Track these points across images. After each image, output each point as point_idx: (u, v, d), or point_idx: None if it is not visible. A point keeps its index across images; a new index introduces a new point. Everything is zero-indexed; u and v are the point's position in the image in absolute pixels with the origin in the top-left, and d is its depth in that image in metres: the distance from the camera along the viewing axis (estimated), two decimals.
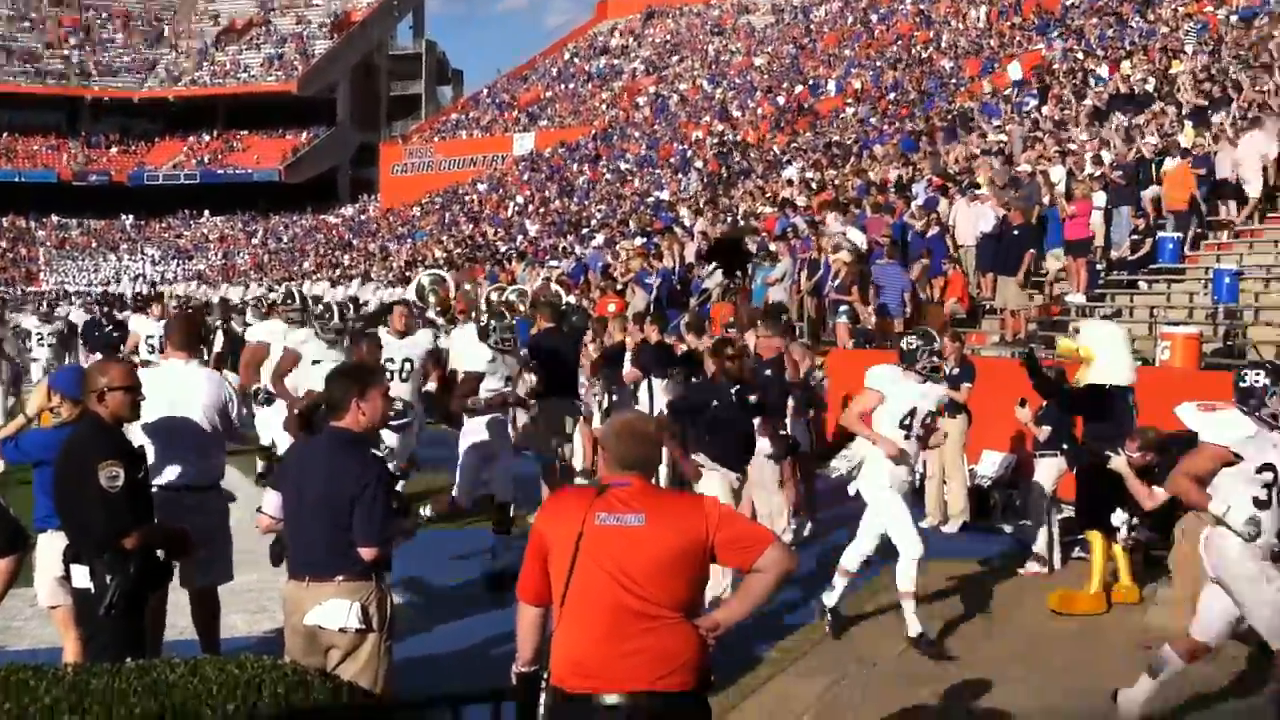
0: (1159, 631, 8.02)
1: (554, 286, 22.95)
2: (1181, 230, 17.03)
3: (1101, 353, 9.22)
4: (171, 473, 6.64)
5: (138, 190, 72.78)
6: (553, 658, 4.13)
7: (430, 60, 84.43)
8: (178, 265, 61.29)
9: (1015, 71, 31.16)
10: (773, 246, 19.73)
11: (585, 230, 33.35)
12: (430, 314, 17.60)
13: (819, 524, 11.59)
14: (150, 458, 6.49)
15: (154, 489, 6.47)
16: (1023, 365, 9.73)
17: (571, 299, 20.07)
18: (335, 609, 5.09)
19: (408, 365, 10.60)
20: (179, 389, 6.77)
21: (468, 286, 23.67)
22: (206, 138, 75.83)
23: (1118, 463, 8.21)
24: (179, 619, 6.87)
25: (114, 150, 75.73)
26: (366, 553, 5.14)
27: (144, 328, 15.33)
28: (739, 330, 12.91)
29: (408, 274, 32.23)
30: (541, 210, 40.70)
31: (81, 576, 5.52)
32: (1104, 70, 26.53)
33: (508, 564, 9.07)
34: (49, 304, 30.36)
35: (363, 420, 5.33)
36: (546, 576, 4.18)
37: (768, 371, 10.78)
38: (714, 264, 19.15)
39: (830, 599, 8.20)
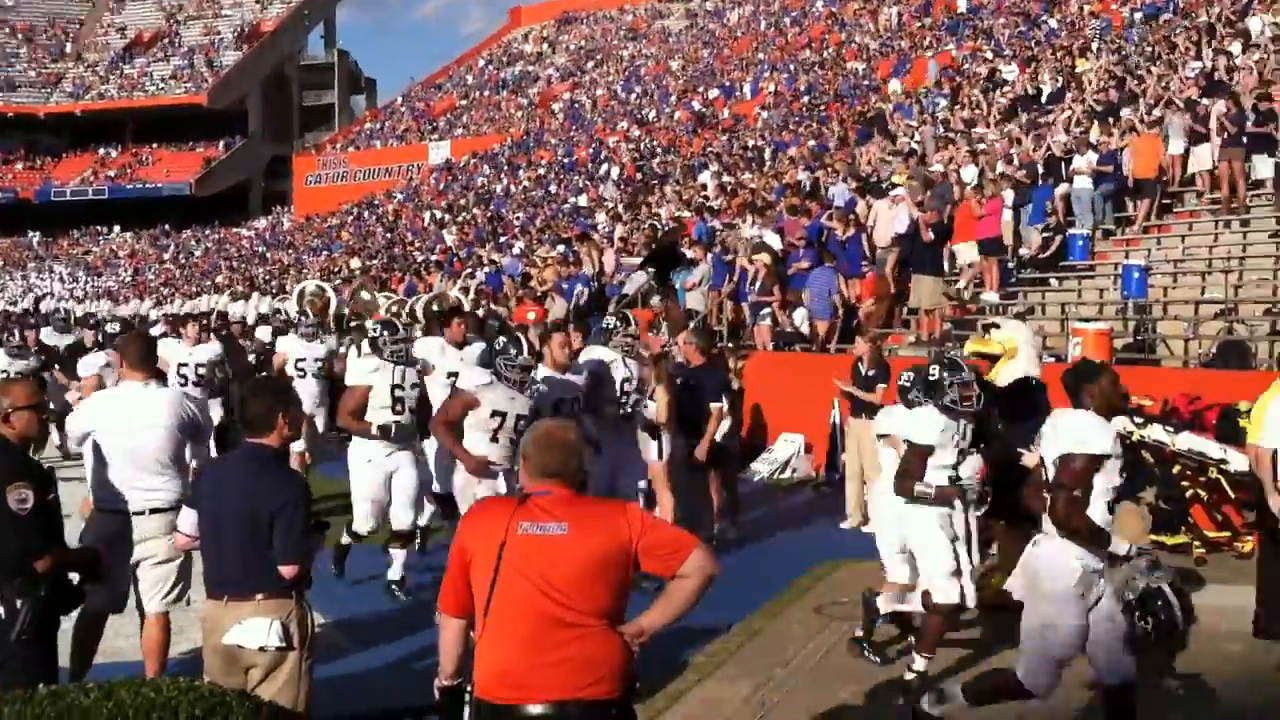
0: None
1: (453, 294, 22.89)
2: (1149, 197, 17.44)
3: (1021, 347, 9.35)
4: (137, 498, 6.60)
5: (44, 207, 71.43)
6: (476, 669, 4.11)
7: (342, 70, 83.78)
8: (88, 282, 60.17)
9: (933, 71, 31.61)
10: (690, 251, 19.81)
11: (503, 238, 33.25)
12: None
13: (741, 527, 11.65)
14: (114, 484, 6.45)
15: (118, 513, 6.45)
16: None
17: (496, 307, 20.05)
18: (255, 628, 5.03)
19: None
20: (139, 411, 6.68)
21: (365, 296, 23.61)
22: (115, 152, 74.61)
23: (1030, 459, 8.31)
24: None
25: (19, 166, 74.29)
26: (287, 570, 5.09)
27: (176, 353, 12.80)
28: (671, 332, 12.95)
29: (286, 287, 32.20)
30: (458, 219, 40.50)
31: None
32: (1012, 70, 26.93)
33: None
34: None
35: (284, 436, 5.29)
36: (469, 588, 4.15)
37: (691, 380, 10.91)
38: (647, 267, 19.17)
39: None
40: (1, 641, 5.39)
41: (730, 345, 16.48)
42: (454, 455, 8.41)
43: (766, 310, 17.58)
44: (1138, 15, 27.56)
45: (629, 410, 9.56)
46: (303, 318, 14.18)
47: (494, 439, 8.32)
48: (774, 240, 18.94)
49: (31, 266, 66.60)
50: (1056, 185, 18.35)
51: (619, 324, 9.73)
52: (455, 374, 9.53)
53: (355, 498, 9.31)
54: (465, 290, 24.05)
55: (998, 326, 9.30)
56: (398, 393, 9.05)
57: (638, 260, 20.78)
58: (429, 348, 10.22)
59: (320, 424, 13.34)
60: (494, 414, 8.27)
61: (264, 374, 13.86)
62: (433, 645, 4.39)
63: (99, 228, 71.60)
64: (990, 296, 16.81)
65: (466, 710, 4.16)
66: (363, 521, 9.26)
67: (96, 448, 6.68)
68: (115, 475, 6.59)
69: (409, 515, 9.26)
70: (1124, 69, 22.73)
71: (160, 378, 7.17)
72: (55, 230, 71.72)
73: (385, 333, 9.23)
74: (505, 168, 46.66)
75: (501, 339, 8.95)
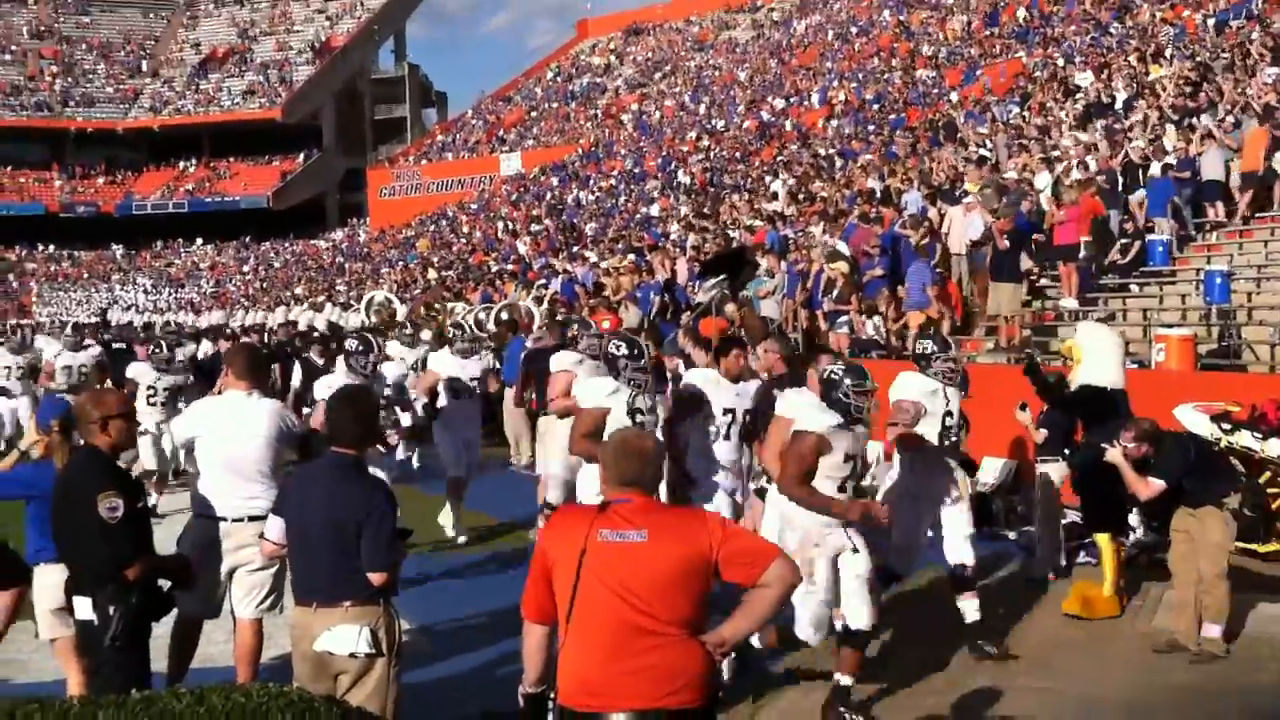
0: (1167, 635, 8.02)
1: (523, 304, 23.09)
2: (1250, 188, 17.13)
3: (1089, 354, 9.27)
4: (236, 505, 6.71)
5: (126, 220, 72.67)
6: (559, 677, 4.13)
7: (413, 83, 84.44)
8: (170, 294, 61.14)
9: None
10: (763, 260, 19.78)
11: (575, 248, 33.35)
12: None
13: None
14: (212, 491, 6.56)
15: (214, 519, 6.60)
16: (1025, 372, 9.74)
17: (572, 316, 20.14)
18: (345, 634, 5.07)
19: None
20: (241, 420, 6.83)
21: (436, 306, 23.91)
22: (192, 166, 75.74)
23: (1113, 454, 8.21)
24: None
25: (100, 181, 75.61)
26: (376, 578, 5.13)
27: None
28: (751, 342, 12.90)
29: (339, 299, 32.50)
30: (531, 230, 40.70)
31: (84, 608, 5.50)
32: (1087, 76, 26.61)
33: None
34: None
35: (363, 446, 5.35)
36: (551, 595, 4.17)
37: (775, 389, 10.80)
38: (716, 276, 19.14)
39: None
40: (95, 647, 5.49)
41: (804, 355, 16.41)
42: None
43: (844, 318, 17.50)
44: (1210, 21, 27.15)
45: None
46: (458, 333, 13.34)
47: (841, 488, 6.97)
48: (841, 248, 18.87)
49: (115, 279, 67.75)
50: (1133, 191, 18.12)
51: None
52: (731, 410, 8.44)
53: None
54: (539, 300, 24.19)
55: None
56: (637, 418, 7.94)
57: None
58: (704, 379, 8.74)
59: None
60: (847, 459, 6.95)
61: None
62: (518, 652, 4.41)
63: (179, 240, 72.68)
64: (1069, 303, 16.62)
65: (550, 717, 4.18)
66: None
67: (195, 455, 6.83)
68: (214, 483, 6.72)
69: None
70: (1199, 75, 22.38)
71: (263, 388, 7.29)
72: (137, 243, 72.92)
73: (626, 353, 8.08)
74: (575, 178, 46.81)
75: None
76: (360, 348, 9.80)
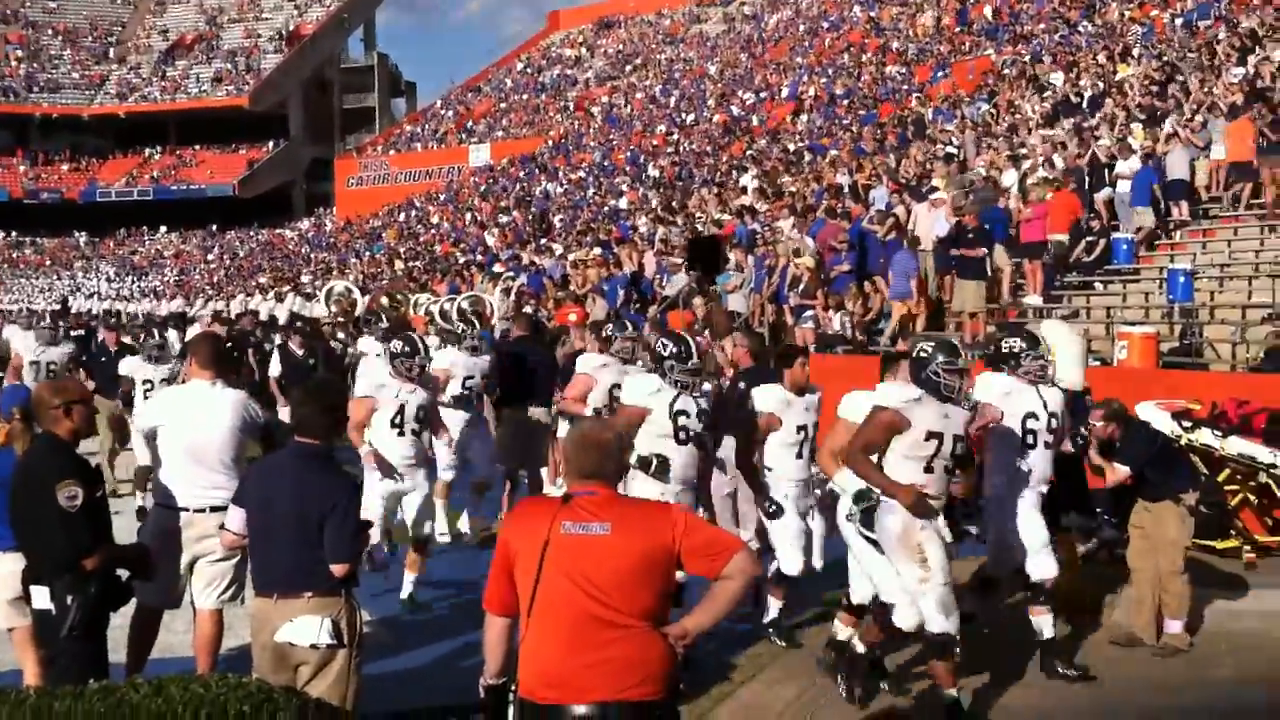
0: (1126, 629, 8.08)
1: (494, 296, 23.08)
2: (1244, 180, 17.18)
3: (1058, 351, 9.29)
4: (198, 495, 6.67)
5: (90, 207, 72.12)
6: (520, 669, 4.12)
7: (383, 73, 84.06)
8: (133, 282, 60.70)
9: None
10: (731, 254, 19.82)
11: (543, 240, 33.31)
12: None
13: None
14: (174, 481, 6.52)
15: (175, 509, 6.49)
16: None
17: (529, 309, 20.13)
18: (306, 625, 5.06)
19: None
20: (204, 410, 6.79)
21: (399, 297, 23.83)
22: (158, 154, 75.21)
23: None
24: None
25: (65, 167, 75.01)
26: (338, 569, 5.11)
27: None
28: (714, 336, 12.89)
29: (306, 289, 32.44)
30: (499, 221, 40.62)
31: (42, 598, 5.46)
32: (1058, 75, 26.74)
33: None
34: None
35: (330, 437, 5.34)
36: (513, 587, 4.17)
37: (741, 383, 10.79)
38: (688, 266, 19.14)
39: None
40: (52, 638, 5.45)
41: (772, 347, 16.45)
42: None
43: (810, 313, 17.54)
44: (1179, 21, 27.33)
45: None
46: (467, 329, 11.85)
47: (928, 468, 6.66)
48: (809, 243, 18.93)
49: (79, 266, 67.25)
50: (1099, 189, 18.23)
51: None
52: (804, 426, 8.13)
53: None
54: (506, 291, 24.16)
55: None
56: (682, 420, 7.53)
57: (678, 261, 20.76)
58: (775, 399, 8.19)
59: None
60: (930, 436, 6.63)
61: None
62: (479, 644, 4.41)
63: (144, 228, 72.18)
64: (1033, 300, 16.72)
65: (511, 710, 4.17)
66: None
67: (158, 445, 6.78)
68: (176, 472, 6.68)
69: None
70: (1166, 74, 22.53)
71: (227, 378, 7.23)
72: (101, 231, 72.38)
73: (674, 352, 7.61)
74: (544, 170, 46.74)
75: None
76: (406, 349, 9.20)
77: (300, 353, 14.63)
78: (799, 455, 8.08)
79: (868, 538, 6.91)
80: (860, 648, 7.16)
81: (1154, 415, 9.65)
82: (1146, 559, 7.96)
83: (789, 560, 7.97)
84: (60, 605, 5.40)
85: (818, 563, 8.20)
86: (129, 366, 12.95)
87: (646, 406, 7.49)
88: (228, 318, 26.10)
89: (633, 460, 6.98)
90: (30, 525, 5.58)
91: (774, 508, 7.96)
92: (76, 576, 5.42)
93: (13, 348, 16.50)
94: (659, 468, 7.32)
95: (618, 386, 9.06)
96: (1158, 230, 17.56)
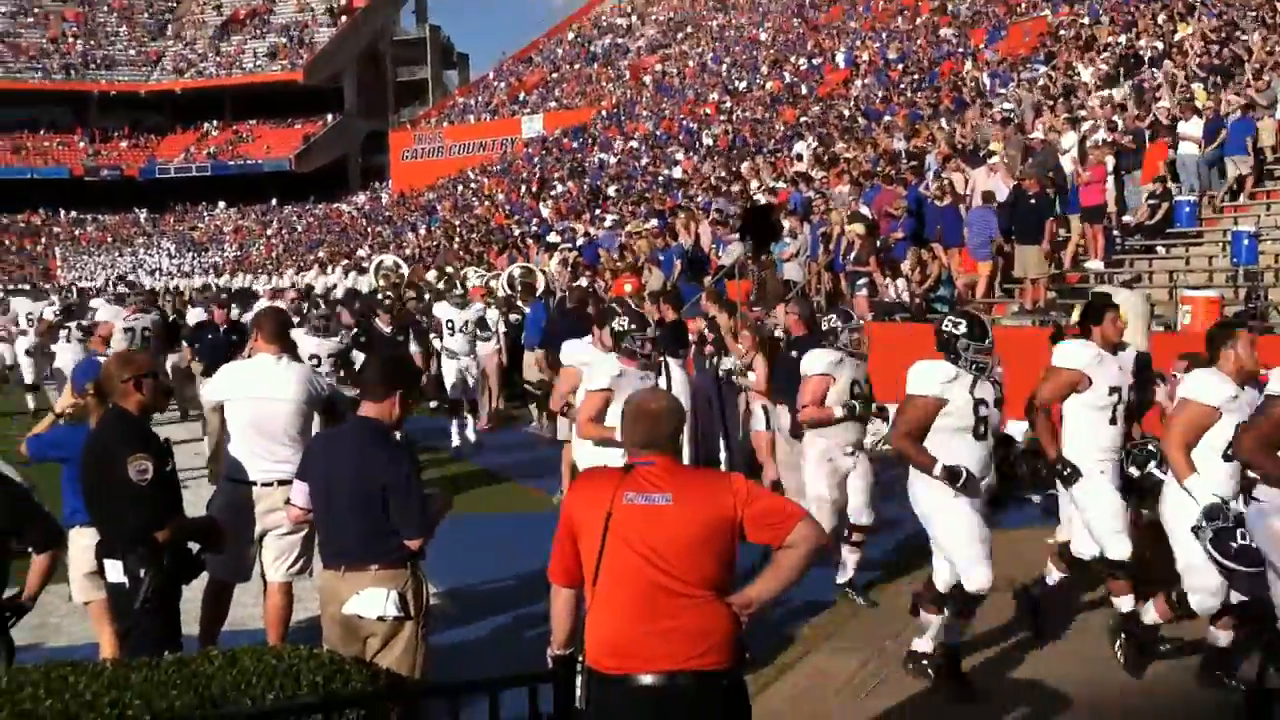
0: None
1: (552, 266, 23.23)
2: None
3: (1130, 319, 9.15)
4: (265, 469, 6.75)
5: (149, 183, 72.87)
6: (587, 639, 4.15)
7: (435, 45, 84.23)
8: (193, 258, 61.35)
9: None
10: (786, 222, 19.72)
11: (597, 211, 33.28)
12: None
13: None
14: (242, 455, 6.60)
15: (244, 483, 6.64)
16: (1052, 340, 9.64)
17: (584, 280, 20.16)
18: (373, 597, 5.11)
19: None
20: (270, 384, 6.87)
21: (449, 270, 24.03)
22: (215, 129, 75.81)
23: (1161, 394, 8.15)
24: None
25: (124, 144, 75.78)
26: (413, 543, 5.16)
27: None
28: (767, 306, 12.86)
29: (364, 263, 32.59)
30: (554, 193, 40.63)
31: (115, 571, 5.53)
32: (1112, 35, 26.33)
33: None
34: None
35: (396, 414, 5.36)
36: (578, 558, 4.20)
37: (793, 352, 10.76)
38: (742, 235, 19.09)
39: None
40: (126, 611, 5.53)
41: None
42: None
43: (863, 280, 17.45)
44: None
45: None
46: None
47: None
48: (864, 210, 18.80)
49: (140, 242, 68.00)
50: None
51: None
52: (1117, 388, 7.22)
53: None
54: (564, 263, 24.20)
55: (1108, 296, 9.04)
56: (982, 410, 6.79)
57: (734, 234, 20.71)
58: (1086, 357, 7.29)
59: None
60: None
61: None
62: (546, 615, 4.44)
63: (203, 204, 72.83)
64: (1095, 265, 16.54)
65: (579, 679, 4.21)
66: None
67: (225, 419, 6.87)
68: (244, 446, 6.76)
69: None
70: (1226, 33, 22.12)
71: (293, 352, 7.31)
72: (161, 207, 73.13)
73: (967, 330, 6.81)
74: (598, 140, 46.66)
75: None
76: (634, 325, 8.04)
77: (389, 330, 14.50)
78: (1111, 421, 7.15)
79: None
80: (1150, 618, 6.93)
81: None
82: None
83: (1115, 546, 7.03)
84: (133, 578, 5.47)
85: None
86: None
87: (940, 397, 6.76)
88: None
89: (936, 472, 6.62)
90: (102, 499, 5.65)
91: (1069, 470, 7.15)
92: (148, 550, 5.49)
93: (99, 317, 16.72)
94: (966, 482, 6.59)
95: (857, 383, 8.50)
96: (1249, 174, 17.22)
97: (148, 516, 5.51)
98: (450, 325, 15.53)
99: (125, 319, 15.12)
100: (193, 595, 6.23)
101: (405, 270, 23.75)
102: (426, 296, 20.01)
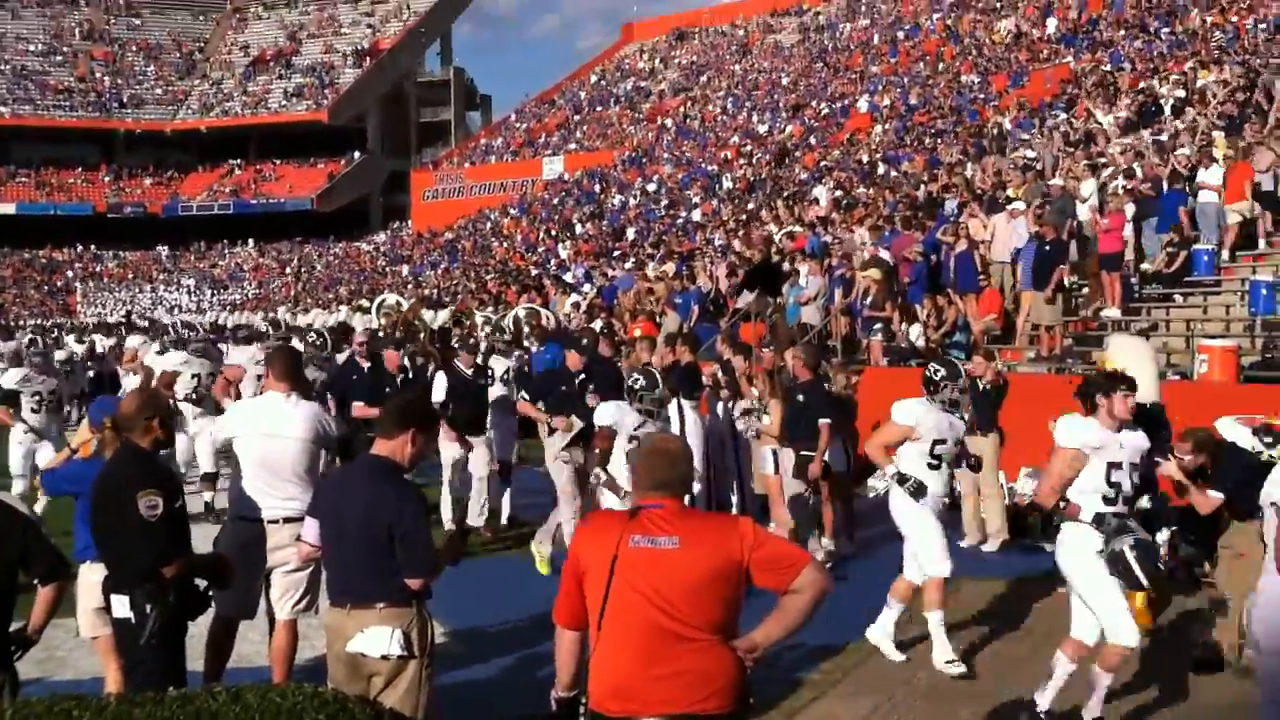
0: (1206, 648, 7.95)
1: (566, 308, 23.33)
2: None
3: (1130, 367, 9.11)
4: (272, 506, 6.77)
5: (172, 221, 73.36)
6: (590, 682, 4.14)
7: (458, 86, 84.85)
8: (213, 295, 61.66)
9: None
10: (802, 267, 19.74)
11: (616, 253, 33.38)
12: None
13: (858, 544, 11.55)
14: (250, 492, 6.62)
15: (253, 520, 6.60)
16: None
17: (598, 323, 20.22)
18: (377, 636, 5.10)
19: None
20: (278, 422, 6.89)
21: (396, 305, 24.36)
22: (239, 168, 76.35)
23: (1169, 468, 8.10)
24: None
25: (148, 182, 76.36)
26: (414, 583, 5.15)
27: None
28: (777, 349, 12.87)
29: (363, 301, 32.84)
30: (573, 234, 40.78)
31: (121, 606, 5.53)
32: (1138, 83, 26.40)
33: None
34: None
35: (409, 453, 5.36)
36: (583, 600, 4.19)
37: (799, 396, 10.86)
38: (747, 288, 19.14)
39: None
40: (132, 646, 5.53)
41: (842, 360, 16.38)
42: None
43: (878, 326, 17.43)
44: (1261, 27, 26.84)
45: None
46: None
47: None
48: (883, 254, 18.80)
49: (160, 279, 68.37)
50: (1182, 200, 17.94)
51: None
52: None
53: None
54: (576, 306, 24.27)
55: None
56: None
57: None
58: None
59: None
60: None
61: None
62: (551, 656, 4.43)
63: (224, 241, 73.26)
64: (1112, 313, 16.48)
65: None
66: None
67: (234, 456, 6.89)
68: (252, 483, 6.77)
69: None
70: (1249, 81, 22.12)
71: (302, 390, 7.32)
72: (182, 244, 73.59)
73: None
74: (617, 182, 46.83)
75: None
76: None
77: (469, 372, 12.89)
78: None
79: None
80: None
81: (1234, 431, 9.48)
82: (1237, 578, 7.80)
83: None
84: (139, 614, 5.47)
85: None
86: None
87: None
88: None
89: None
90: (111, 534, 5.65)
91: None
92: (155, 585, 5.49)
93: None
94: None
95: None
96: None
97: (156, 552, 5.51)
98: (490, 374, 13.48)
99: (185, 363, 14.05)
100: (198, 631, 6.23)
101: (405, 308, 23.90)
102: (421, 335, 20.06)
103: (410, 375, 14.95)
